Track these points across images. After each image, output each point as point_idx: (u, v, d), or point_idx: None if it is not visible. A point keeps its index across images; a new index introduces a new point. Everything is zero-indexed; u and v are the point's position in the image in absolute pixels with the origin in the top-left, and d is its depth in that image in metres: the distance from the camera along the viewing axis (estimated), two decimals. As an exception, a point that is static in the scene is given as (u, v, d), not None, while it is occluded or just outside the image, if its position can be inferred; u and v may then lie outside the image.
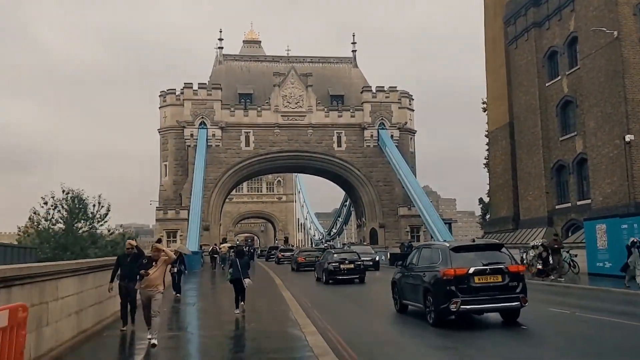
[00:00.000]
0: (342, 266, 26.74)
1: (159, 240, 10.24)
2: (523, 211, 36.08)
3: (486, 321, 13.35)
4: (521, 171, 36.30)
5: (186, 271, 21.14)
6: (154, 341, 9.70)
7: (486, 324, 13.10)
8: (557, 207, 33.68)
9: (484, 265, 12.50)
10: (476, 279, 12.31)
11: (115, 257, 12.90)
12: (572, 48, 33.12)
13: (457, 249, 13.04)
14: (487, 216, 61.53)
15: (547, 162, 33.96)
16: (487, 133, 63.36)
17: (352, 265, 26.92)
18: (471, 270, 12.28)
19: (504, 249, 13.45)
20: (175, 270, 19.30)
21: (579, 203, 32.46)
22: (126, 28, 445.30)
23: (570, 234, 31.91)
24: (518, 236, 35.56)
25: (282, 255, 51.36)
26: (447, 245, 13.60)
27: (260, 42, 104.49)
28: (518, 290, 12.47)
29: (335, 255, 28.18)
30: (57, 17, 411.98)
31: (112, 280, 11.85)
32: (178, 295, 19.38)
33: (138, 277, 10.63)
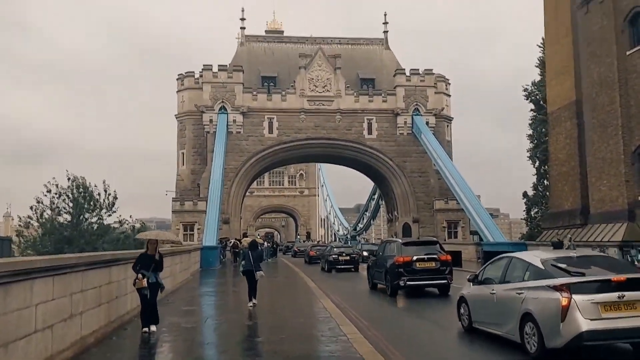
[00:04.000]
0: (340, 258, 32.54)
1: None
2: (594, 203, 30.85)
3: (432, 293, 18.45)
4: (592, 156, 31.06)
5: (162, 285, 11.48)
6: None
7: (426, 294, 18.28)
8: None
9: (424, 254, 17.97)
10: (417, 264, 17.74)
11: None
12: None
13: (407, 244, 19.00)
14: (533, 211, 56.16)
15: (627, 145, 28.65)
16: (531, 121, 57.98)
17: (348, 257, 32.76)
18: (414, 258, 17.75)
19: (437, 245, 19.38)
20: (145, 283, 10.78)
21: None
22: (138, 20, 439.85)
23: (657, 230, 26.75)
24: (590, 233, 30.36)
25: (298, 249, 59.25)
26: (401, 241, 19.70)
27: (283, 32, 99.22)
28: (446, 273, 17.91)
29: (335, 249, 34.70)
30: (60, 8, 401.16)
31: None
32: (153, 328, 11.00)
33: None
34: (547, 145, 53.56)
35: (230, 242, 46.50)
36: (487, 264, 11.36)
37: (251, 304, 14.87)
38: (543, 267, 9.05)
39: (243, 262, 15.58)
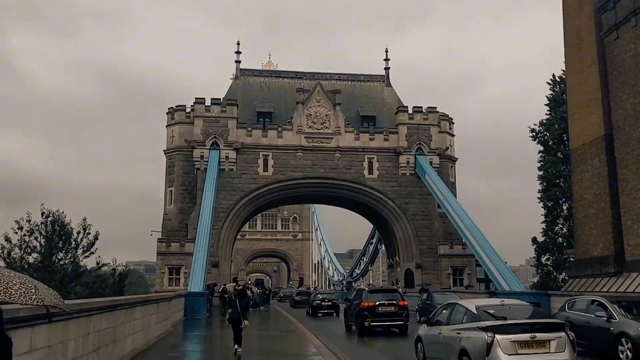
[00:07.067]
0: (322, 303, 35.73)
1: None
2: (631, 249, 27.44)
3: (392, 332, 22.25)
4: (626, 196, 27.82)
5: None
6: None
7: (390, 334, 21.95)
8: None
9: (385, 300, 21.95)
10: (380, 309, 21.64)
11: None
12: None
13: (372, 291, 23.97)
14: (544, 258, 52.63)
15: (669, 183, 25.56)
16: (540, 163, 55.16)
17: (329, 303, 35.83)
18: (377, 303, 21.67)
19: (397, 292, 24.09)
20: None
21: None
22: (126, 56, 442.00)
23: None
24: (627, 282, 26.82)
25: (283, 294, 66.33)
26: (367, 289, 26.41)
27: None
28: (404, 315, 21.90)
29: (318, 295, 38.60)
30: (45, 52, 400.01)
31: None
32: None
33: None
34: (560, 187, 50.82)
35: (220, 288, 42.63)
36: (438, 308, 13.78)
37: (240, 349, 15.08)
38: (476, 312, 10.98)
39: (230, 310, 15.86)
